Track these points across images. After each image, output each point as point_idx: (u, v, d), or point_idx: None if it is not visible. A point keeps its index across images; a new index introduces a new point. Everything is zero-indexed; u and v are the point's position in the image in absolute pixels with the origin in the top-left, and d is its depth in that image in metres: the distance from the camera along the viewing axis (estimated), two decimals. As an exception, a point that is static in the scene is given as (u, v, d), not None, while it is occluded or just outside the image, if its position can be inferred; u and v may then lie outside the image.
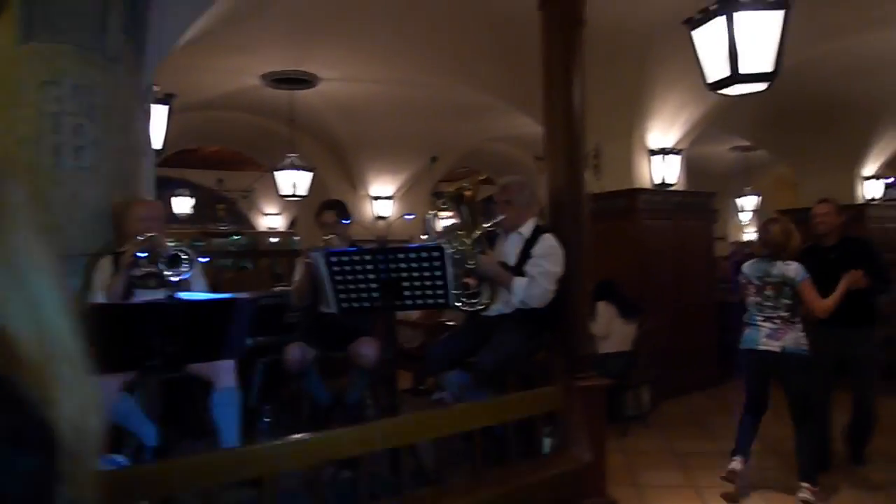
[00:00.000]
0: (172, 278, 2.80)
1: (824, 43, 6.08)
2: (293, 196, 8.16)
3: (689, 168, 12.37)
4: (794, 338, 3.68)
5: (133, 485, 1.71)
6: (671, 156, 6.38)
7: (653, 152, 6.38)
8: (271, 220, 16.13)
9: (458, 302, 3.38)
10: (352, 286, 2.81)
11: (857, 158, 8.81)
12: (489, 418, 2.17)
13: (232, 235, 16.52)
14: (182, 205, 12.94)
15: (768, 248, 3.81)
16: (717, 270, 10.35)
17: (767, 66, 3.28)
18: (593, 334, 5.22)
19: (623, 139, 6.30)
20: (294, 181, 8.08)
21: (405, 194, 10.66)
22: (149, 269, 2.85)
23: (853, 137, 8.58)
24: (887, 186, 10.85)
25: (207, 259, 6.17)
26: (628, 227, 6.21)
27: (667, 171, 6.37)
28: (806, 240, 4.00)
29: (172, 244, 2.89)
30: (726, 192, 13.91)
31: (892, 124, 8.41)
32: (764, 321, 3.79)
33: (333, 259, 2.74)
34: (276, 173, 8.26)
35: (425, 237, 6.85)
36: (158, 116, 4.95)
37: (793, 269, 3.69)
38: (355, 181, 10.55)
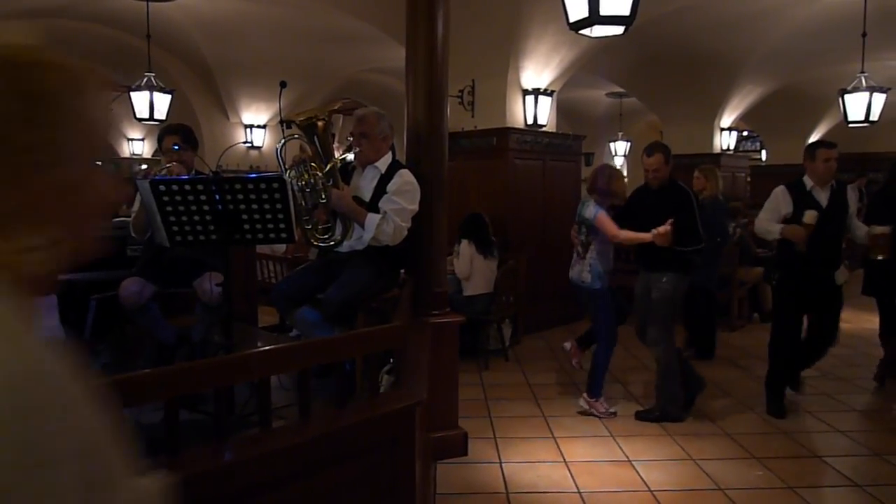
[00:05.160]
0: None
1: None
2: (151, 120, 7.52)
3: (568, 111, 12.68)
4: (578, 271, 4.20)
5: None
6: (543, 97, 6.42)
7: (526, 92, 6.39)
8: (136, 146, 14.98)
9: (312, 237, 3.26)
10: (184, 218, 2.61)
11: (716, 110, 9.34)
12: (321, 357, 2.09)
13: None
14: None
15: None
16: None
17: (625, 9, 3.30)
18: (456, 275, 5.29)
19: (498, 78, 6.26)
20: (152, 103, 7.43)
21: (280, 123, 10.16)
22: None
23: (714, 90, 9.06)
24: (740, 139, 11.66)
25: None
26: (499, 165, 6.25)
27: (539, 111, 6.42)
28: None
29: None
30: (602, 136, 14.42)
31: (748, 80, 8.94)
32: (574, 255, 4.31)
33: (162, 188, 2.51)
34: (131, 94, 7.55)
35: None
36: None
37: (588, 209, 4.11)
38: (226, 108, 9.93)
